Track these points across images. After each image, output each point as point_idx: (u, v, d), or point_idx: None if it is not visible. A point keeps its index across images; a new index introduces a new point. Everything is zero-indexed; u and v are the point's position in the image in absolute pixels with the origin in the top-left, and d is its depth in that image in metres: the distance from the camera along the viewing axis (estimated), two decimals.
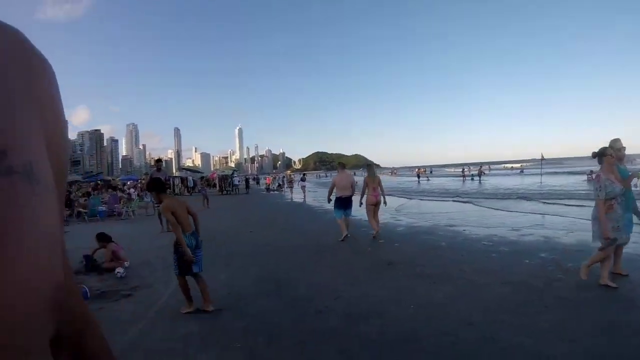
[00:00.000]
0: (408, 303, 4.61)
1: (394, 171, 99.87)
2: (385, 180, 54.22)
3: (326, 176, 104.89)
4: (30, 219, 0.33)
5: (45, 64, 0.45)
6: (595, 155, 5.32)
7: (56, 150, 0.43)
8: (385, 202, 9.34)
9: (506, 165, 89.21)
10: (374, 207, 9.21)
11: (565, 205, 14.48)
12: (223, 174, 38.39)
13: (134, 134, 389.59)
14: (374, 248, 8.01)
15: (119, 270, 6.44)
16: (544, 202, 15.64)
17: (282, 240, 9.36)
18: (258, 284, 5.76)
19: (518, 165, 78.57)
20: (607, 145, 5.39)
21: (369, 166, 10.22)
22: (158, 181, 4.94)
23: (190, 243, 4.56)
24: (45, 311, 0.34)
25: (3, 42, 0.39)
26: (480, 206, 15.41)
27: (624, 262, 5.39)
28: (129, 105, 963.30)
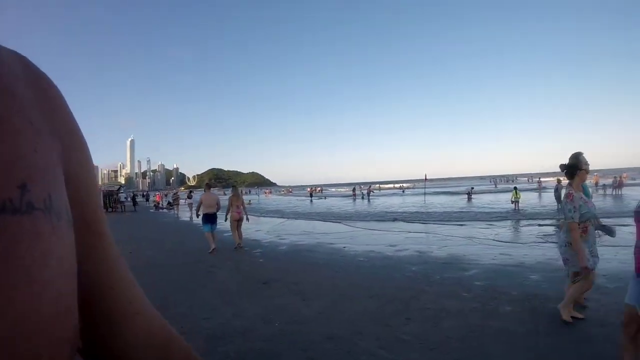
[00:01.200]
0: (275, 321, 4.72)
1: (289, 189, 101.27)
2: (279, 199, 55.09)
3: (224, 194, 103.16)
4: (51, 259, 0.33)
5: (54, 87, 0.44)
6: (564, 168, 4.48)
7: (79, 177, 0.43)
8: (247, 219, 10.88)
9: (395, 185, 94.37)
10: (237, 222, 10.57)
11: (444, 223, 15.65)
12: (109, 189, 36.17)
13: None
14: (253, 267, 8.11)
15: None
16: (424, 222, 16.61)
17: (165, 260, 9.17)
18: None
19: (404, 185, 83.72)
20: (563, 161, 4.53)
21: (234, 187, 11.90)
22: None
23: None
24: (61, 347, 0.33)
25: (17, 69, 0.39)
26: (364, 227, 15.85)
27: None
28: None
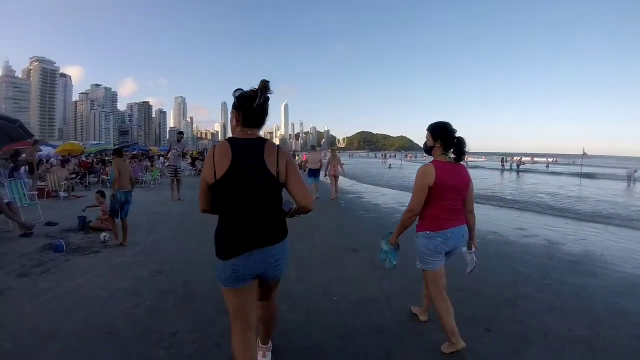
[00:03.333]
0: (336, 294, 4.38)
1: None
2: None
3: (368, 156, 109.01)
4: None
5: None
6: None
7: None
8: (344, 174, 14.94)
9: (548, 159, 78.46)
10: (333, 178, 13.13)
11: (594, 214, 12.28)
12: None
13: (181, 106, 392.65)
14: (354, 230, 8.14)
15: (104, 234, 6.76)
16: (568, 209, 13.17)
17: None
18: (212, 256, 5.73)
19: (549, 160, 73.02)
20: None
21: (332, 150, 14.51)
22: (117, 148, 7.43)
23: (121, 198, 6.34)
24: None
25: None
26: (496, 203, 14.12)
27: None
28: (176, 79, 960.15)
